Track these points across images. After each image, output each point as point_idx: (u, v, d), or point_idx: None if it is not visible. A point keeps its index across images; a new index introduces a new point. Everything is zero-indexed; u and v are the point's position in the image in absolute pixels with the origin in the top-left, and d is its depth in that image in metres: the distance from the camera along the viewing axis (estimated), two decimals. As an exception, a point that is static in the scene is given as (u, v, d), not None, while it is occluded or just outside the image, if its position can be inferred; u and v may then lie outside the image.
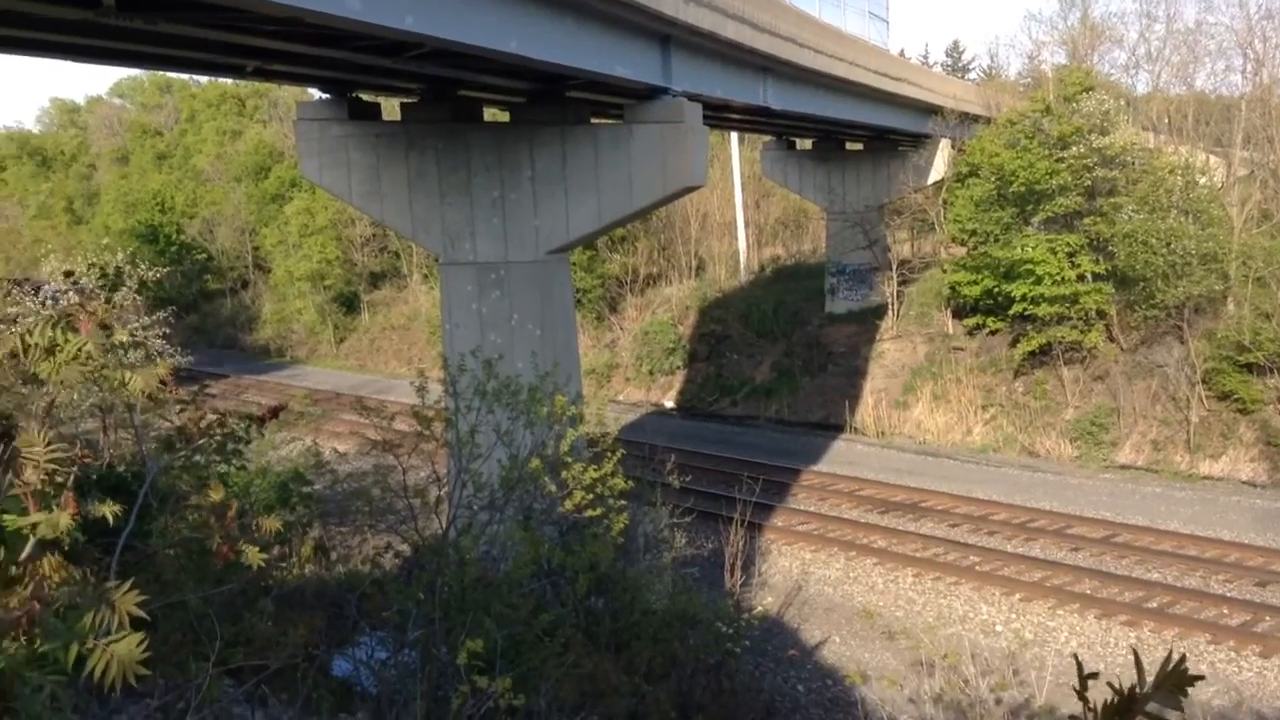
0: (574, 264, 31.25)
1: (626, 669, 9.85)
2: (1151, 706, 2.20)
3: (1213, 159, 31.56)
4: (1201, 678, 2.25)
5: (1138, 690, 2.20)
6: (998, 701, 12.47)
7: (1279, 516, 21.07)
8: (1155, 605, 17.20)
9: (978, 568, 19.21)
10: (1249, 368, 25.12)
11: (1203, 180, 29.08)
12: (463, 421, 10.41)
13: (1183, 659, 2.21)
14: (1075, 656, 2.41)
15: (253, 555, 5.32)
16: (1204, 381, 25.60)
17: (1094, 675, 2.27)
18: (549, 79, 15.85)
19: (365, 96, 18.10)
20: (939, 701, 12.50)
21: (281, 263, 52.09)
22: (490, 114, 19.92)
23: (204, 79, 67.37)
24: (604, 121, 19.21)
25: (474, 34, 11.89)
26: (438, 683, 7.31)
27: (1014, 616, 17.34)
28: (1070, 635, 16.56)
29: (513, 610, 8.21)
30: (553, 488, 11.48)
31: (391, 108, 21.09)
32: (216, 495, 6.13)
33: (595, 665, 9.05)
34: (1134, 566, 18.98)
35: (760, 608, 16.32)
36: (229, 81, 62.39)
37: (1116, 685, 2.23)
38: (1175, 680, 2.17)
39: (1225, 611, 16.82)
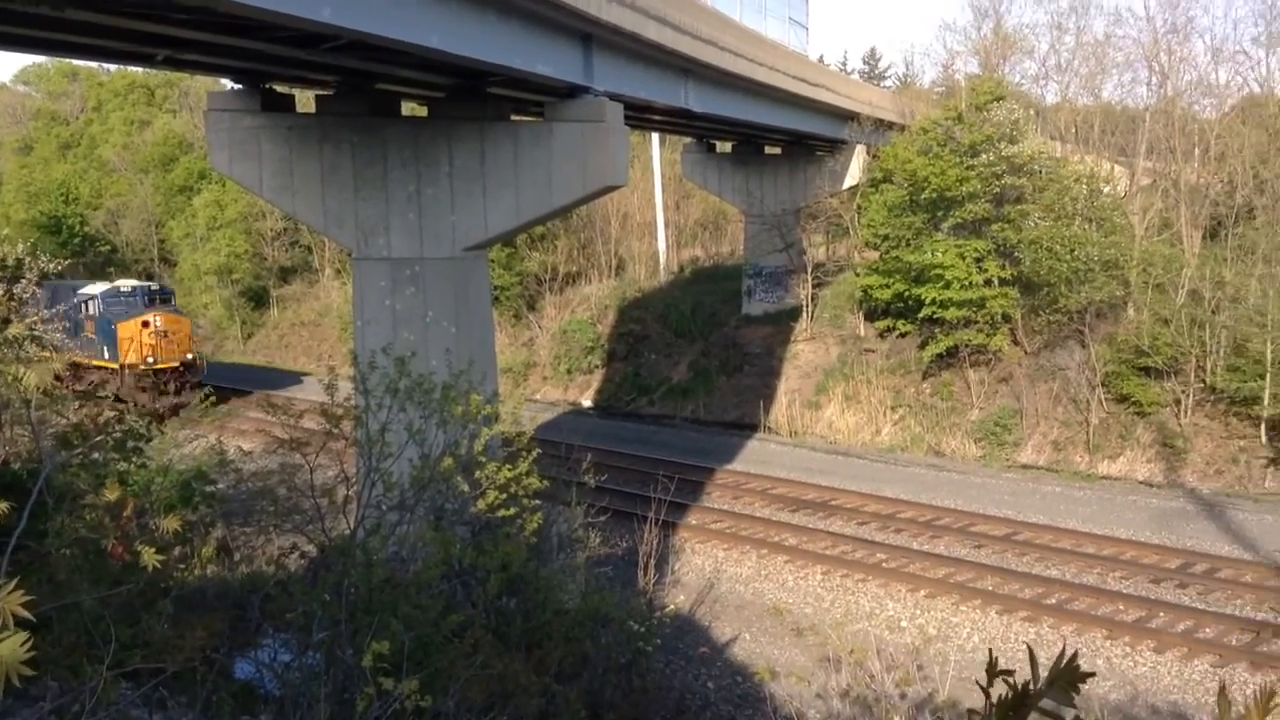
0: (492, 261, 31.05)
1: (537, 669, 9.86)
2: (1046, 702, 2.27)
3: (1117, 168, 32.54)
4: (1092, 675, 2.34)
5: (1031, 687, 2.28)
6: (902, 696, 12.73)
7: (1173, 515, 21.85)
8: (1054, 601, 17.72)
9: (884, 565, 19.58)
10: (1147, 371, 26.03)
11: (1106, 189, 30.03)
12: (373, 420, 10.30)
13: (1074, 656, 2.28)
14: (990, 651, 2.48)
15: (149, 556, 5.21)
16: (1104, 384, 26.45)
17: (1009, 672, 2.33)
18: (469, 74, 15.76)
19: (279, 88, 17.78)
20: (845, 696, 12.74)
21: (188, 256, 50.90)
22: (408, 108, 19.71)
23: (113, 67, 65.58)
24: (524, 119, 19.15)
25: (393, 27, 11.76)
26: (343, 685, 7.22)
27: (919, 612, 17.72)
28: (973, 631, 16.97)
29: (421, 611, 8.15)
30: (465, 487, 11.42)
31: (306, 100, 20.76)
32: (112, 494, 6.00)
33: (505, 665, 9.03)
34: (1034, 564, 19.52)
35: (672, 606, 16.42)
36: (138, 70, 60.76)
37: (1011, 682, 2.30)
38: (1067, 678, 2.24)
39: (1121, 607, 17.38)
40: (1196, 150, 31.24)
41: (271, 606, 8.28)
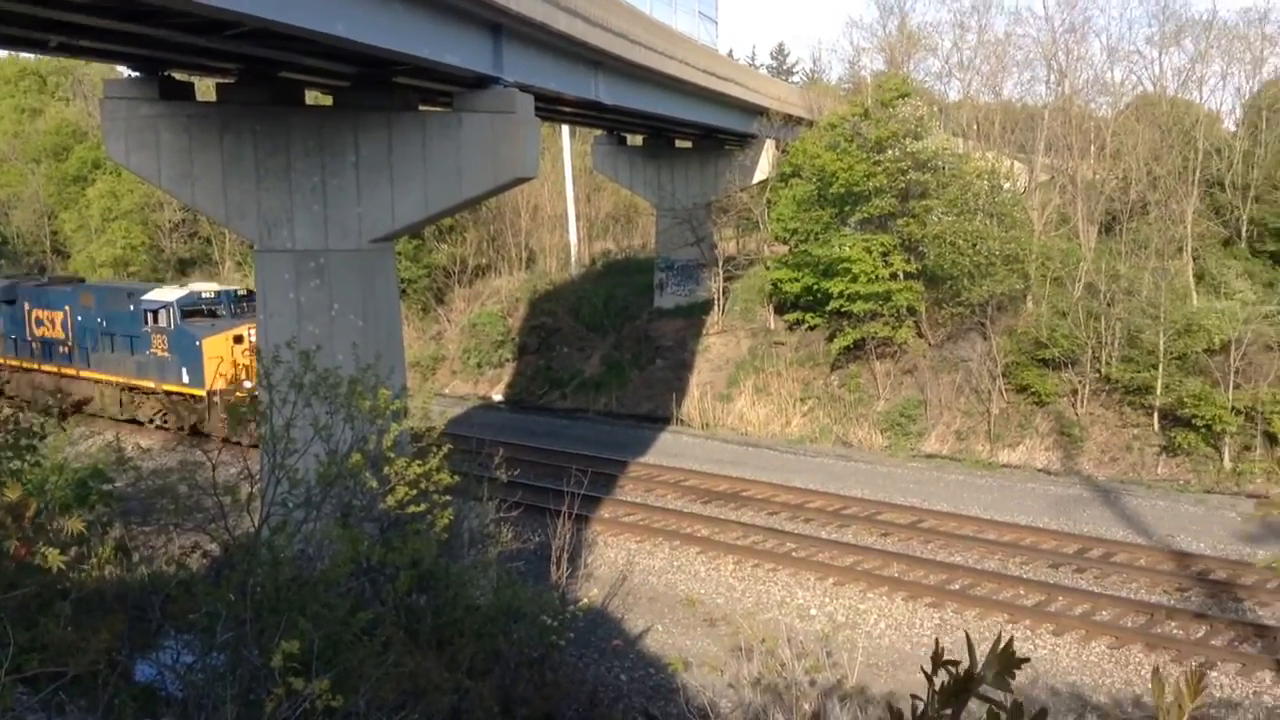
0: (399, 253, 30.65)
1: (449, 666, 9.77)
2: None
3: (1017, 165, 33.44)
4: (1027, 660, 2.42)
5: (972, 672, 2.35)
6: (812, 683, 12.97)
7: (1071, 502, 22.56)
8: (958, 587, 18.15)
9: (794, 554, 19.86)
10: (1045, 362, 26.83)
11: (1007, 185, 30.86)
12: (277, 415, 10.08)
13: (1010, 642, 2.36)
14: (937, 641, 2.55)
15: (53, 557, 5.03)
16: (1004, 375, 27.18)
17: (954, 663, 2.39)
18: (375, 63, 15.52)
19: (178, 75, 17.29)
20: (757, 685, 12.92)
21: (83, 248, 49.27)
22: (312, 97, 19.34)
23: (2, 53, 63.00)
24: (433, 109, 18.92)
25: (297, 14, 11.52)
26: (249, 686, 7.07)
27: (828, 600, 18.01)
28: (880, 617, 17.31)
29: (330, 610, 8.01)
30: (374, 484, 11.26)
31: (207, 88, 20.23)
32: (13, 494, 5.79)
33: (416, 663, 8.94)
34: (938, 550, 19.98)
35: (585, 599, 16.43)
36: (29, 56, 58.44)
37: (954, 670, 2.37)
38: (1005, 663, 2.32)
39: (1022, 592, 17.88)
40: (1093, 147, 32.30)
41: (173, 607, 8.06)
